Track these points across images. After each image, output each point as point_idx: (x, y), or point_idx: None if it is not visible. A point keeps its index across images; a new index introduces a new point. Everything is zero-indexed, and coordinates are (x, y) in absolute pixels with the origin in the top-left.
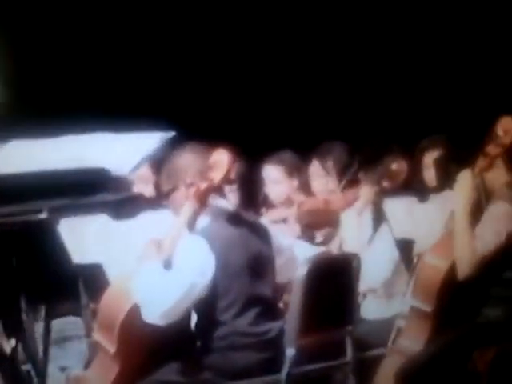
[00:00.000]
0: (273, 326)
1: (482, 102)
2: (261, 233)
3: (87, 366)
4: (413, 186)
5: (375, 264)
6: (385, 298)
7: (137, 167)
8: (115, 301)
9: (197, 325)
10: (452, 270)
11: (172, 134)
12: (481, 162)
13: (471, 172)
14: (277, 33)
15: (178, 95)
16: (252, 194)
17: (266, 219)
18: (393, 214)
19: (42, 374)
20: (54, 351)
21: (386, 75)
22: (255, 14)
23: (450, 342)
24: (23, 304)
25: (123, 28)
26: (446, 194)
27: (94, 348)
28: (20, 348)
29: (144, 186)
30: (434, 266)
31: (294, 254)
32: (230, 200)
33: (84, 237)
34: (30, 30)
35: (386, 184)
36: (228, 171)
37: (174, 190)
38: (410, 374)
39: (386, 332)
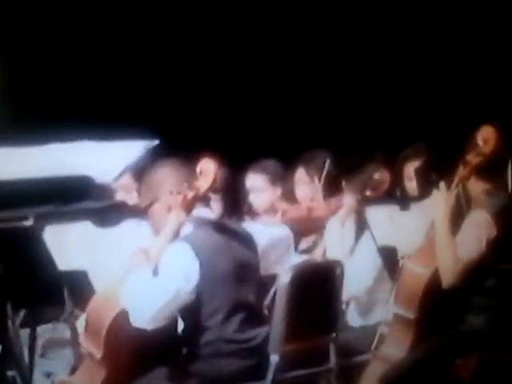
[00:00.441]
0: (258, 333)
1: (462, 112)
2: (245, 239)
3: (73, 371)
4: (395, 194)
5: (358, 272)
6: (368, 306)
7: (120, 175)
8: (102, 306)
9: (183, 331)
10: (434, 277)
11: (155, 142)
12: (461, 171)
13: (449, 182)
14: (260, 42)
15: (161, 104)
16: (235, 203)
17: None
18: (375, 222)
19: (27, 380)
20: (39, 357)
21: (369, 85)
22: (237, 23)
23: (433, 349)
24: (9, 310)
25: (109, 39)
26: (428, 202)
27: (80, 354)
28: (5, 354)
29: (127, 194)
30: (416, 273)
31: (290, 242)
32: (213, 208)
33: (68, 243)
34: (19, 40)
35: (368, 193)
36: (214, 180)
37: (154, 202)
38: (393, 380)
39: (370, 339)
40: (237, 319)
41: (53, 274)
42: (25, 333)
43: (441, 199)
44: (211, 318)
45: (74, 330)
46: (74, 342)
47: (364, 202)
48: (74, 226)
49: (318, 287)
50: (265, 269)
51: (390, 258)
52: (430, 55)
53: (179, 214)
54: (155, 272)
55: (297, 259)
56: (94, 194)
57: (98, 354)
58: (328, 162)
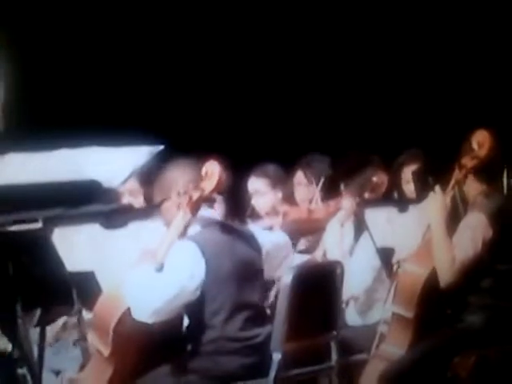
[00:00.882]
0: (261, 332)
1: (457, 116)
2: (248, 240)
3: (81, 369)
4: (393, 197)
5: (357, 272)
6: (367, 305)
7: (127, 179)
8: (109, 305)
9: (188, 328)
10: (431, 277)
11: (160, 147)
12: (457, 174)
13: (445, 185)
14: (263, 49)
15: (166, 111)
16: (237, 205)
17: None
18: (374, 223)
19: (37, 378)
20: (48, 355)
21: (367, 91)
22: (241, 30)
23: (432, 348)
24: (19, 309)
25: (113, 45)
26: (425, 204)
27: (88, 351)
28: (16, 352)
29: (133, 198)
30: (414, 273)
31: (291, 248)
32: (218, 210)
33: (77, 245)
34: (31, 49)
35: (367, 195)
36: (219, 181)
37: (165, 200)
38: (392, 378)
39: (369, 337)
40: (240, 318)
41: (61, 275)
42: (34, 332)
43: (437, 201)
44: (215, 316)
45: (82, 328)
46: (83, 340)
47: (363, 204)
48: (82, 228)
49: (319, 287)
50: (267, 273)
51: (388, 259)
52: (426, 61)
53: (185, 215)
54: (159, 268)
55: (298, 260)
56: (101, 197)
57: (106, 351)
58: (327, 166)
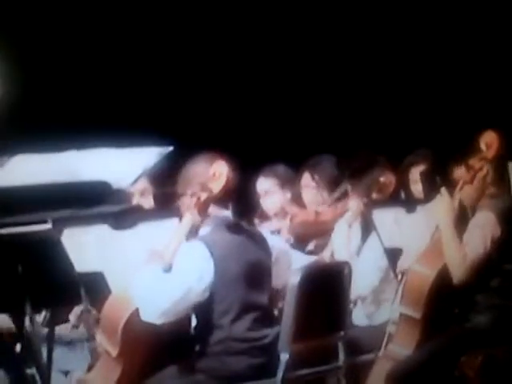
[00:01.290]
0: (269, 332)
1: (465, 117)
2: (259, 242)
3: (90, 369)
4: (400, 197)
5: (364, 272)
6: (374, 305)
7: (136, 180)
8: (117, 306)
9: (196, 328)
10: (439, 278)
11: (169, 148)
12: (465, 175)
13: (453, 185)
14: (271, 51)
15: (175, 113)
16: (245, 206)
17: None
18: (381, 224)
19: (46, 378)
20: (57, 355)
21: (375, 92)
22: (246, 31)
23: (439, 347)
24: (28, 310)
25: (122, 45)
26: (432, 205)
27: (97, 352)
28: (25, 353)
29: (142, 198)
30: (421, 274)
31: (290, 260)
32: (230, 210)
33: (86, 246)
34: (36, 49)
35: (374, 196)
36: (227, 182)
37: (183, 195)
38: (400, 377)
39: (377, 338)
40: (248, 319)
41: (70, 275)
42: (43, 332)
43: (445, 202)
44: (223, 316)
45: (90, 328)
46: (91, 340)
47: (370, 204)
48: (91, 228)
49: (326, 287)
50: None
51: (395, 260)
52: (435, 62)
53: (192, 215)
54: (167, 268)
55: (306, 260)
56: (111, 198)
57: (114, 351)
58: (333, 167)
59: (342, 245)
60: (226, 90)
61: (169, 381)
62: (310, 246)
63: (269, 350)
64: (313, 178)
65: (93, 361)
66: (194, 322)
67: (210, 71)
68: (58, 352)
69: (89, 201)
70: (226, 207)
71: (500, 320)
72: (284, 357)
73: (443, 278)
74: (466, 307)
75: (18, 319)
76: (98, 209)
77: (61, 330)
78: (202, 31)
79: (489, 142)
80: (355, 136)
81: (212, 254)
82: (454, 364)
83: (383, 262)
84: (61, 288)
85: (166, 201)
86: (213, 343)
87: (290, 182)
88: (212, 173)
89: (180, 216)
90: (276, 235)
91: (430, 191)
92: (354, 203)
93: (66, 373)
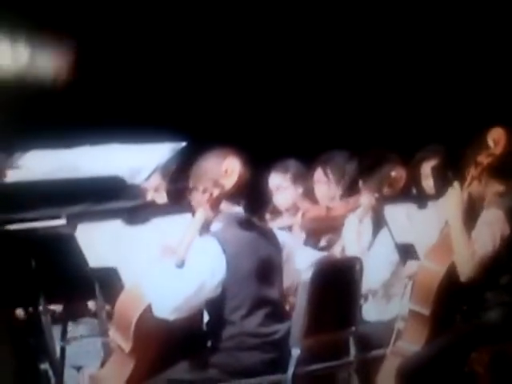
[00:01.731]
0: (280, 328)
1: (476, 112)
2: (270, 238)
3: (103, 364)
4: (412, 193)
5: (376, 266)
6: (384, 300)
7: (150, 176)
8: (131, 301)
9: (208, 324)
10: (448, 274)
11: (183, 144)
12: (473, 172)
13: (463, 181)
14: (283, 47)
15: (187, 109)
16: (257, 202)
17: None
18: (393, 219)
19: (59, 373)
20: (70, 351)
21: (386, 88)
22: (259, 29)
23: (449, 343)
24: (42, 305)
25: (136, 41)
26: (443, 200)
27: (110, 347)
28: (38, 348)
29: (156, 194)
30: (431, 270)
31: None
32: (241, 206)
33: (99, 241)
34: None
35: (385, 191)
36: (239, 178)
37: (195, 190)
38: (410, 373)
39: (387, 333)
40: (260, 314)
41: (84, 271)
42: (57, 327)
43: (455, 197)
44: (235, 312)
45: (103, 324)
46: (104, 335)
47: (382, 199)
48: (105, 224)
49: (338, 282)
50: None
51: (407, 255)
52: (445, 58)
53: (205, 211)
54: (180, 264)
55: (317, 256)
56: (124, 193)
57: (127, 347)
58: (348, 164)
59: (353, 240)
60: (239, 87)
61: (181, 376)
62: (322, 242)
63: (280, 345)
64: (325, 174)
65: (105, 356)
66: (206, 318)
67: (223, 68)
68: (71, 347)
69: (102, 196)
70: (238, 203)
71: (510, 316)
72: (295, 352)
73: (452, 274)
74: (475, 304)
75: (32, 314)
76: (112, 204)
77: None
78: (215, 29)
79: (496, 138)
80: (367, 131)
81: (224, 250)
82: (463, 360)
83: (394, 256)
84: (74, 283)
85: (180, 196)
86: (225, 338)
87: (302, 178)
88: (224, 169)
89: (193, 211)
90: (287, 232)
91: (442, 187)
92: (366, 198)
93: (79, 368)
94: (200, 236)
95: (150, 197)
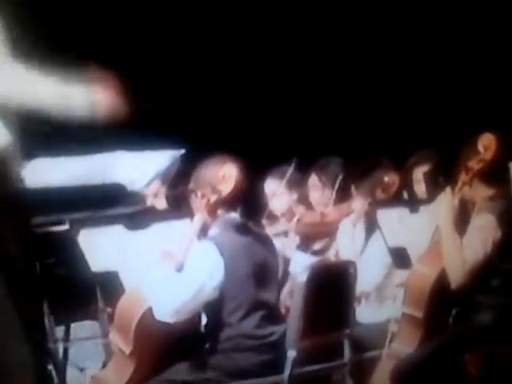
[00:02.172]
0: (276, 330)
1: (468, 117)
2: (266, 243)
3: (104, 366)
4: (404, 197)
5: (368, 269)
6: (377, 303)
7: (150, 182)
8: (131, 304)
9: (206, 326)
10: (441, 277)
11: (182, 151)
12: (464, 177)
13: (453, 187)
14: (277, 57)
15: (186, 117)
16: (254, 207)
17: (268, 232)
18: (385, 223)
19: (62, 375)
20: (72, 353)
21: (377, 93)
22: (257, 32)
23: (443, 345)
24: (45, 308)
25: (134, 46)
26: (435, 205)
27: (111, 349)
28: (41, 350)
29: (156, 200)
30: (423, 274)
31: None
32: (238, 212)
33: (101, 246)
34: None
35: (378, 195)
36: (236, 184)
37: (193, 196)
38: (404, 375)
39: (380, 335)
40: (256, 316)
41: (86, 275)
42: (60, 330)
43: (446, 202)
44: (232, 314)
45: (105, 326)
46: (105, 338)
47: (374, 204)
48: (107, 229)
49: (332, 285)
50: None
51: (399, 258)
52: (437, 63)
53: (203, 216)
54: (179, 268)
55: (312, 260)
56: (125, 200)
57: (127, 349)
58: (340, 169)
59: (347, 244)
60: (236, 96)
61: (180, 377)
62: (317, 246)
63: (276, 347)
64: (319, 180)
65: (107, 358)
66: (204, 320)
67: (221, 75)
68: (74, 349)
69: (104, 203)
70: (235, 209)
71: (502, 318)
72: (291, 354)
73: (444, 278)
74: (467, 307)
75: (37, 318)
76: (113, 210)
77: (77, 327)
78: (214, 35)
79: (486, 144)
80: (360, 137)
81: (222, 254)
82: (457, 362)
83: (387, 259)
84: (77, 287)
85: (179, 202)
86: (222, 340)
87: (297, 184)
88: (222, 175)
89: (192, 217)
90: (282, 237)
91: (433, 191)
92: (359, 203)
93: (82, 369)
94: (198, 240)
95: (149, 203)
